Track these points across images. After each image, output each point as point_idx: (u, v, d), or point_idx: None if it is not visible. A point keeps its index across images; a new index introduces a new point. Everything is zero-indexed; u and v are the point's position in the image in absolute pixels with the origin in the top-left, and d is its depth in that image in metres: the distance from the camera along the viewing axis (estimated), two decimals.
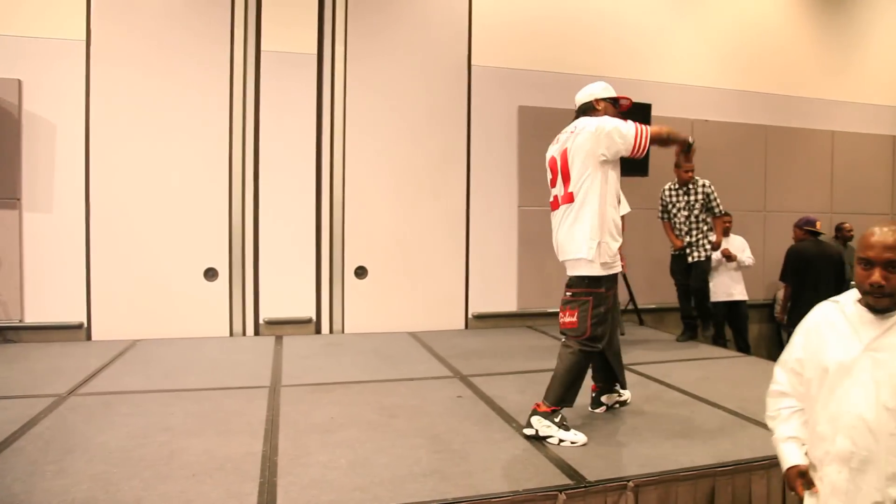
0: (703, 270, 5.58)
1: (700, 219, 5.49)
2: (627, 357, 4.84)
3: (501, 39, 6.28)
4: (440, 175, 6.08)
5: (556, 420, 3.03)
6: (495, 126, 6.13)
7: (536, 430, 3.01)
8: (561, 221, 3.21)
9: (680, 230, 5.58)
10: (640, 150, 3.14)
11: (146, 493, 2.37)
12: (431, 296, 6.05)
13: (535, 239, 6.34)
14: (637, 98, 6.14)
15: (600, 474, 2.58)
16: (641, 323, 6.47)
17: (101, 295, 5.33)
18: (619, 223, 3.23)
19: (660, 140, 3.22)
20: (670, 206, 5.67)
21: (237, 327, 5.64)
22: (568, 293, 3.21)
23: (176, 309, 5.46)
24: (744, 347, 6.46)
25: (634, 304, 6.35)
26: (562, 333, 3.20)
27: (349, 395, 3.77)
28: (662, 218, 5.78)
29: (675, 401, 3.74)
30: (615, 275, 3.21)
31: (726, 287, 6.52)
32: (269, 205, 5.68)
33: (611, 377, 3.49)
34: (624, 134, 3.10)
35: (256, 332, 5.69)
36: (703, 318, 5.71)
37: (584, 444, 2.96)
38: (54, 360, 4.54)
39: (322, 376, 4.18)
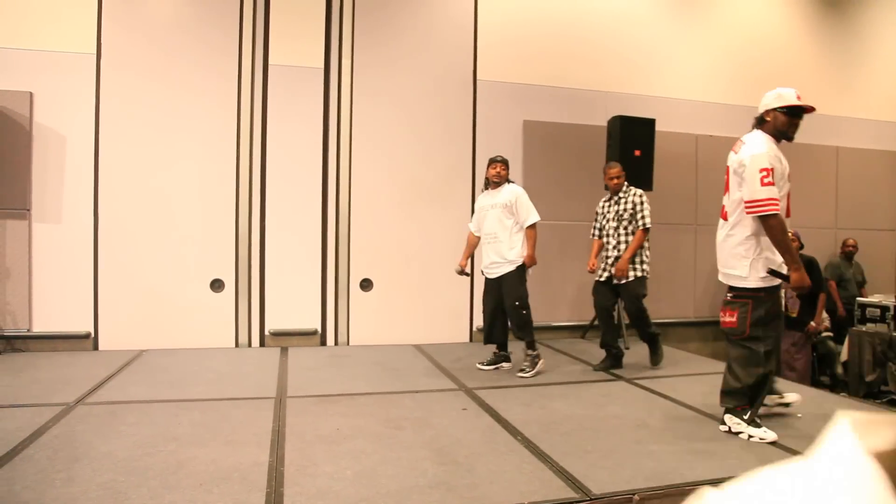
0: (635, 295, 4.86)
1: (630, 231, 4.89)
2: (631, 372, 4.87)
3: (507, 54, 6.34)
4: (446, 188, 6.12)
5: (745, 417, 3.31)
6: (500, 140, 6.17)
7: (729, 427, 3.35)
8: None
9: (608, 243, 5.01)
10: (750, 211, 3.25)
11: (154, 501, 2.38)
12: (436, 308, 6.07)
13: (539, 252, 6.33)
14: (641, 113, 6.25)
15: (605, 487, 2.59)
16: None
17: (109, 305, 5.36)
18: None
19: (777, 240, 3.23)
20: (601, 216, 5.14)
21: (243, 338, 5.67)
22: (729, 295, 3.45)
23: (182, 319, 5.49)
24: None
25: None
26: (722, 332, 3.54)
27: (354, 406, 3.78)
28: (593, 235, 5.23)
29: (680, 415, 3.74)
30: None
31: None
32: (276, 216, 5.72)
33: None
34: (751, 191, 3.25)
35: (262, 344, 5.71)
36: (653, 343, 5.12)
37: (773, 441, 3.20)
38: (62, 370, 4.57)
39: (327, 388, 4.20)
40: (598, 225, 5.14)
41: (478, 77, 6.25)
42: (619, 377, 4.72)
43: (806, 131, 3.66)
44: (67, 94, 5.28)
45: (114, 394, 3.96)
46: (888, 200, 7.99)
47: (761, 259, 3.27)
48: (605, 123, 6.31)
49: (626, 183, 4.97)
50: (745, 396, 3.34)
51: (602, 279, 4.99)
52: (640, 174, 6.10)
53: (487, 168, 4.83)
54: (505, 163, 4.80)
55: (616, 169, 4.95)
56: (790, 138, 3.39)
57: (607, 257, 4.98)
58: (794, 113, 3.33)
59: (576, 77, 6.54)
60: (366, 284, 5.92)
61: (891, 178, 7.95)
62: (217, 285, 5.60)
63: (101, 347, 5.35)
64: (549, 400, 4.02)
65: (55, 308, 5.26)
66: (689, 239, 6.98)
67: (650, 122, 6.17)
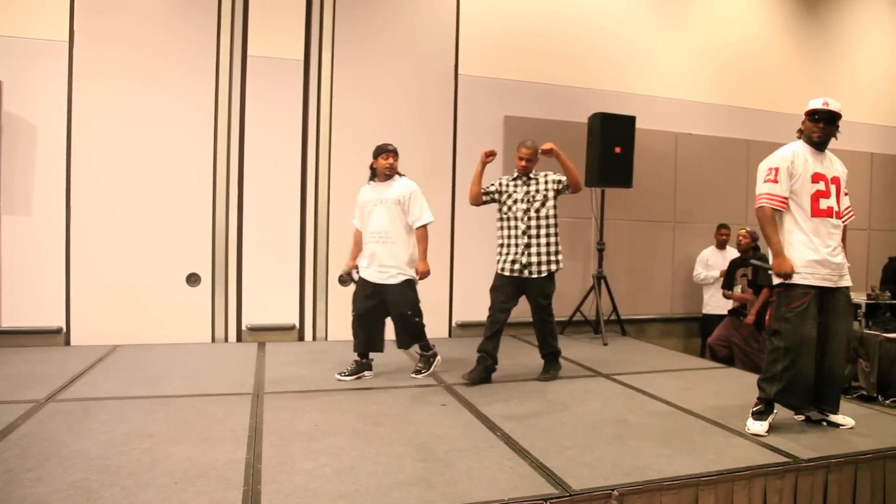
0: (546, 293, 4.36)
1: (544, 216, 4.31)
2: (609, 368, 4.89)
3: (489, 49, 6.32)
4: (426, 183, 5.98)
5: (755, 409, 3.41)
6: (481, 135, 6.15)
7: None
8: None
9: (516, 228, 4.31)
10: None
11: (127, 500, 2.33)
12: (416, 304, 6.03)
13: None
14: (622, 110, 6.29)
15: (585, 483, 2.59)
16: (624, 333, 6.51)
17: (81, 299, 5.26)
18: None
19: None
20: (505, 194, 4.39)
21: (219, 333, 5.59)
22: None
23: (157, 314, 5.40)
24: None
25: (617, 314, 6.39)
26: None
27: (333, 402, 3.75)
28: (487, 200, 4.46)
29: (658, 411, 3.76)
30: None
31: (720, 300, 6.61)
32: (254, 210, 5.65)
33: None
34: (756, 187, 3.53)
35: (239, 339, 5.64)
36: (554, 360, 4.54)
37: (762, 435, 3.26)
38: (32, 366, 4.46)
39: (305, 384, 4.15)
40: (497, 198, 4.43)
41: (459, 72, 6.23)
42: (597, 373, 4.74)
43: (783, 131, 3.72)
44: (38, 83, 5.14)
45: (86, 390, 3.88)
46: (861, 200, 8.12)
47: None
48: (585, 120, 6.34)
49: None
50: (762, 390, 3.41)
51: (508, 272, 4.32)
52: (620, 171, 6.15)
53: (376, 158, 4.33)
54: (397, 153, 4.35)
55: (529, 151, 4.36)
56: (815, 143, 3.49)
57: (513, 246, 4.32)
58: (813, 117, 3.46)
59: (557, 73, 6.55)
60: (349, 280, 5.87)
61: (864, 179, 8.09)
62: (193, 279, 5.52)
63: (73, 343, 5.24)
64: (529, 396, 4.03)
65: (25, 302, 5.14)
66: (667, 236, 7.05)
67: (630, 120, 6.21)
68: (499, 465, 2.80)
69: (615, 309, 6.38)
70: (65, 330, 5.24)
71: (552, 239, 4.32)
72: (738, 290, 5.94)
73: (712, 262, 6.71)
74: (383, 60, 5.99)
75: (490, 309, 4.38)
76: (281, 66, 5.68)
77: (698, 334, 7.01)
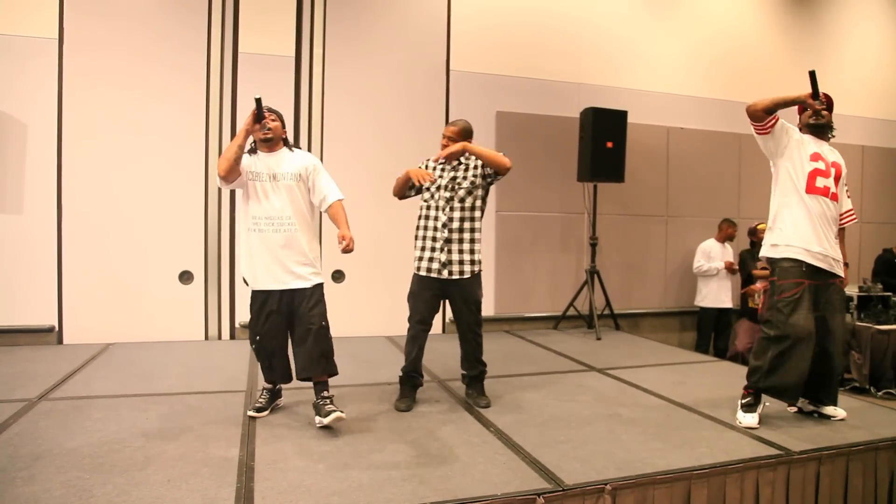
0: (475, 299, 3.72)
1: (469, 207, 3.64)
2: (602, 362, 4.91)
3: (480, 45, 6.31)
4: None
5: (743, 401, 3.42)
6: (474, 131, 6.13)
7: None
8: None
9: (436, 220, 3.65)
10: None
11: (120, 499, 2.33)
12: None
13: (512, 243, 6.38)
14: (614, 105, 6.30)
15: (578, 478, 2.60)
16: (617, 328, 6.52)
17: (74, 297, 5.23)
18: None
19: None
20: (432, 183, 3.70)
21: (213, 331, 5.58)
22: None
23: (150, 312, 5.38)
24: (722, 352, 6.57)
25: (611, 309, 6.41)
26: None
27: None
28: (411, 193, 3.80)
29: (651, 405, 3.77)
30: (795, 266, 3.35)
31: (717, 294, 6.66)
32: None
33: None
34: None
35: (232, 336, 5.63)
36: (480, 380, 3.80)
37: (754, 428, 3.28)
38: (24, 364, 4.44)
39: (298, 381, 4.14)
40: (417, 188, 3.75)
41: (451, 67, 6.21)
42: (591, 367, 4.75)
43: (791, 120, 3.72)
44: (28, 81, 5.10)
45: (79, 389, 3.86)
46: (854, 193, 8.11)
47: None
48: (577, 115, 6.34)
49: None
50: (749, 379, 3.45)
51: (425, 272, 3.68)
52: (612, 165, 6.15)
53: (252, 122, 3.27)
54: (280, 117, 3.39)
55: (455, 129, 3.72)
56: (813, 127, 3.56)
57: (430, 240, 3.65)
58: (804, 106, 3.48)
59: (549, 68, 6.55)
60: (338, 276, 5.87)
61: (855, 171, 8.11)
62: (186, 277, 5.50)
63: (65, 341, 5.22)
64: (522, 391, 4.04)
65: (17, 301, 5.11)
66: (659, 230, 7.07)
67: (622, 114, 6.22)
68: (492, 460, 2.81)
69: (608, 303, 6.39)
70: (57, 328, 5.22)
71: (476, 235, 3.66)
72: (759, 285, 6.04)
73: (714, 253, 6.74)
74: (374, 56, 5.97)
75: (410, 320, 3.76)
76: (272, 63, 5.65)
77: (692, 328, 7.04)
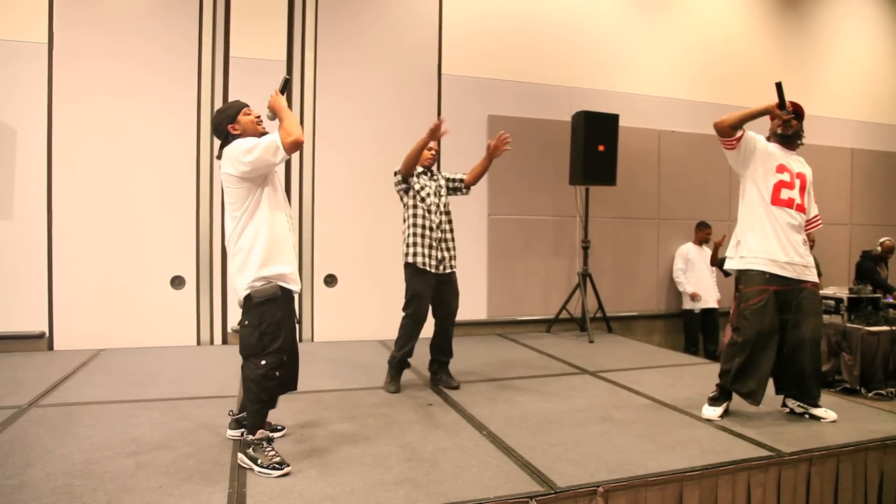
0: (458, 292, 4.24)
1: (446, 212, 4.20)
2: (595, 365, 4.92)
3: (472, 49, 6.33)
4: None
5: (711, 395, 3.62)
6: (465, 135, 6.15)
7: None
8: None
9: (431, 222, 4.08)
10: None
11: None
12: (401, 304, 5.99)
13: (504, 247, 6.39)
14: (605, 108, 6.32)
15: (570, 480, 2.60)
16: (610, 330, 6.54)
17: (64, 303, 5.20)
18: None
19: None
20: (418, 185, 4.12)
21: (204, 336, 5.56)
22: None
23: (142, 317, 5.36)
24: (712, 354, 6.59)
25: (603, 311, 6.42)
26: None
27: (319, 403, 3.74)
28: (407, 191, 4.15)
29: (643, 407, 3.79)
30: (759, 274, 3.45)
31: (706, 294, 6.70)
32: None
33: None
34: None
35: (224, 341, 5.61)
36: (449, 360, 4.26)
37: (717, 419, 3.47)
38: (14, 371, 4.41)
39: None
40: (414, 194, 4.11)
41: (442, 71, 6.23)
42: (583, 370, 4.76)
43: (763, 128, 3.77)
44: (17, 86, 5.08)
45: (69, 395, 3.84)
46: (843, 196, 8.22)
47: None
48: (569, 118, 6.37)
49: None
50: (720, 379, 3.59)
51: (434, 270, 4.08)
52: (604, 169, 6.18)
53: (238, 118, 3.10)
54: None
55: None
56: (779, 139, 3.67)
57: (429, 238, 4.06)
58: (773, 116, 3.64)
59: (541, 72, 6.57)
60: (330, 280, 5.86)
61: (844, 174, 8.18)
62: (177, 282, 5.48)
63: (56, 347, 5.19)
64: (515, 394, 4.04)
65: (7, 306, 5.07)
66: (651, 233, 7.09)
67: (614, 118, 6.24)
68: (484, 463, 2.81)
69: (601, 306, 6.41)
70: (47, 334, 5.19)
71: (453, 235, 4.19)
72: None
73: (692, 255, 6.81)
74: (366, 61, 5.98)
75: (410, 318, 4.10)
76: (263, 67, 5.63)
77: (683, 331, 7.06)
